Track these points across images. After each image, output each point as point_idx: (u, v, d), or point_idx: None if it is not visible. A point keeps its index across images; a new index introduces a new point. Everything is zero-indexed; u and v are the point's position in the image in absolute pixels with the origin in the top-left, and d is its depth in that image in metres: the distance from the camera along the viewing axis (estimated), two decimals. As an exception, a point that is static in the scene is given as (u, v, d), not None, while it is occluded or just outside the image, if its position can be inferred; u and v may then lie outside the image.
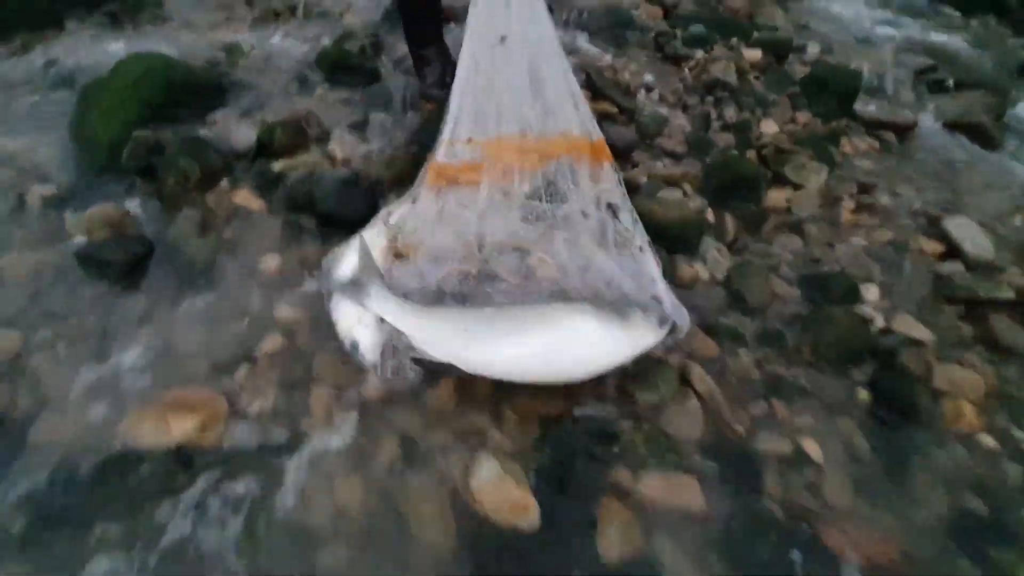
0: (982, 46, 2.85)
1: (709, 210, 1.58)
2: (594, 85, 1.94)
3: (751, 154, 1.78)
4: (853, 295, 1.38)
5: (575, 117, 1.33)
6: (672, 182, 1.67)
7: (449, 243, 1.22)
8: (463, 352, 1.05)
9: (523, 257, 1.20)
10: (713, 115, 1.95)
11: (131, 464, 0.97)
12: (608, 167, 1.34)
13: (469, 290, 1.17)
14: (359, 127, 1.76)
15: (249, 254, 1.42)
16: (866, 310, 1.35)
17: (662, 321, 1.06)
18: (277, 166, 1.55)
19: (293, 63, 2.08)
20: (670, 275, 1.39)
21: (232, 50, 2.07)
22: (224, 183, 1.56)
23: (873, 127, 2.06)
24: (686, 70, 2.19)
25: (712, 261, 1.43)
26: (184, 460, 0.98)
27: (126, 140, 1.56)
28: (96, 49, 2.28)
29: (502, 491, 0.96)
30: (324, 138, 1.68)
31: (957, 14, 3.21)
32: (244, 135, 1.64)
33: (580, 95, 1.36)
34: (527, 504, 0.95)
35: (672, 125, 1.88)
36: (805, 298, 1.39)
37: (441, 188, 1.28)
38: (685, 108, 1.98)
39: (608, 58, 2.20)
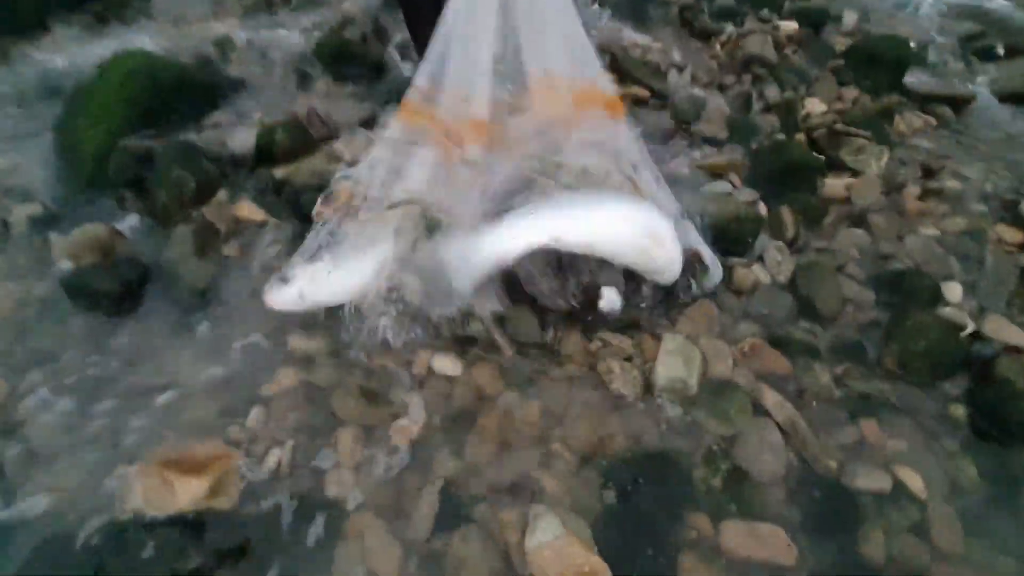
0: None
1: (761, 203, 1.43)
2: (621, 67, 1.76)
3: (800, 137, 1.60)
4: (934, 296, 1.23)
5: (589, 69, 1.21)
6: (717, 172, 1.51)
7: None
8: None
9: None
10: (753, 95, 1.78)
11: (133, 537, 0.84)
12: (624, 125, 1.23)
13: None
14: (367, 124, 1.61)
15: (255, 275, 1.28)
16: (951, 313, 1.20)
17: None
18: (280, 172, 1.40)
19: (290, 55, 1.90)
20: (726, 281, 1.25)
21: (223, 44, 1.91)
22: (222, 194, 1.40)
23: (927, 102, 1.88)
24: (717, 46, 2.01)
25: (772, 262, 1.28)
26: (194, 530, 0.85)
27: (113, 150, 1.42)
28: (81, 51, 2.11)
29: (565, 553, 0.81)
30: (330, 137, 1.53)
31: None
32: (242, 139, 1.48)
33: (593, 47, 1.22)
34: (596, 569, 0.81)
35: (710, 108, 1.71)
36: (880, 302, 1.24)
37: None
38: (722, 88, 1.81)
39: (632, 35, 2.02)
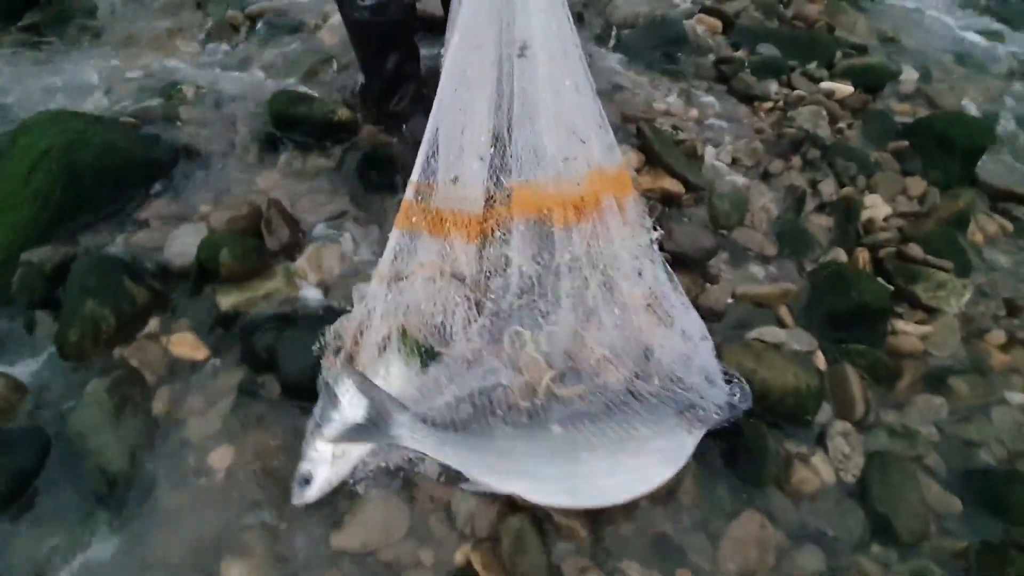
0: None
1: (819, 353, 1.18)
2: (650, 148, 1.47)
3: (862, 256, 1.34)
4: (1035, 509, 1.00)
5: (601, 146, 1.07)
6: (763, 303, 1.26)
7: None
8: (538, 491, 0.91)
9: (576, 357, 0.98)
10: (804, 186, 1.50)
11: None
12: (634, 203, 1.11)
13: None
14: (340, 222, 1.32)
15: (191, 445, 1.01)
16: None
17: (722, 410, 0.96)
18: (227, 301, 1.11)
19: (251, 110, 1.58)
20: (780, 481, 1.01)
21: (172, 93, 1.58)
22: (154, 323, 1.13)
23: (998, 198, 1.62)
24: (762, 114, 1.72)
25: (837, 454, 1.03)
26: None
27: (18, 263, 1.13)
28: (11, 79, 1.80)
29: None
30: (293, 245, 1.24)
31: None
32: (181, 247, 1.18)
33: (603, 115, 1.09)
34: None
35: (754, 206, 1.43)
36: (968, 516, 1.01)
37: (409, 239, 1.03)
38: (766, 176, 1.53)
39: (662, 98, 1.72)
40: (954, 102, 1.92)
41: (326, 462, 0.93)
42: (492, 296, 1.01)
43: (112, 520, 0.92)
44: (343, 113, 1.49)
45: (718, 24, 2.02)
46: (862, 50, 2.04)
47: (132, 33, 2.01)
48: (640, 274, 1.06)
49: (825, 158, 1.58)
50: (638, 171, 1.46)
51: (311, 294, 1.15)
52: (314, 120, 1.46)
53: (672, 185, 1.40)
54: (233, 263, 1.10)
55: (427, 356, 1.00)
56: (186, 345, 1.10)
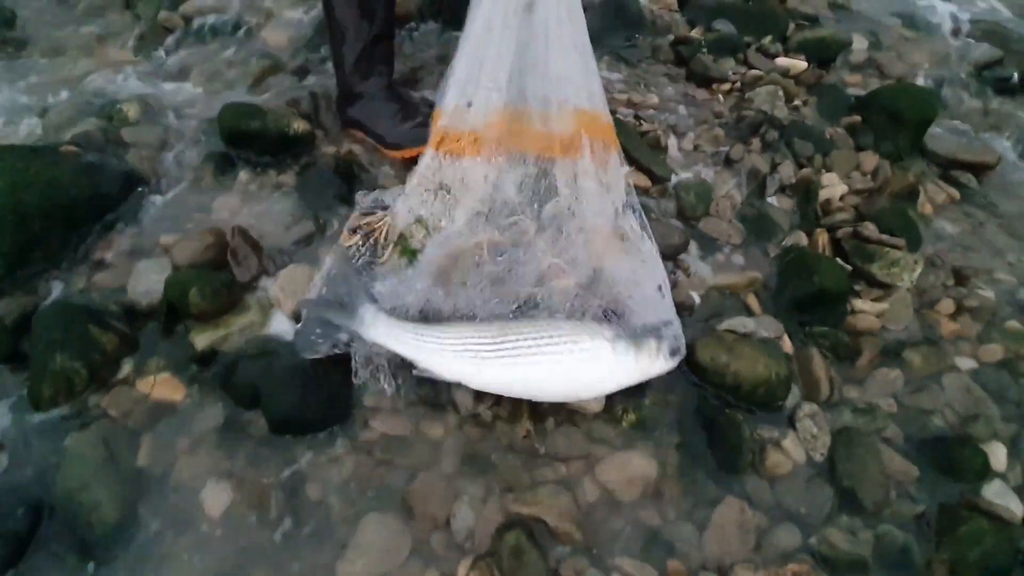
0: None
1: (786, 337, 1.24)
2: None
3: (821, 238, 1.40)
4: (982, 470, 1.09)
5: (593, 94, 1.24)
6: (732, 292, 1.30)
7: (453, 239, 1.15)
8: (474, 373, 1.02)
9: (535, 259, 1.13)
10: (765, 170, 1.54)
11: None
12: (616, 157, 1.27)
13: (468, 301, 1.09)
14: (307, 243, 1.29)
15: (183, 490, 1.00)
16: (1001, 497, 1.07)
17: (673, 352, 1.05)
18: (201, 340, 1.09)
19: (199, 126, 1.51)
20: (756, 464, 1.08)
21: (112, 114, 1.49)
22: (127, 366, 1.10)
23: (946, 165, 1.70)
24: (720, 96, 1.74)
25: (807, 435, 1.10)
26: None
27: (-29, 316, 1.08)
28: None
29: None
30: (263, 274, 1.21)
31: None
32: (146, 285, 1.14)
33: (597, 73, 1.26)
34: None
35: (718, 195, 1.47)
36: (925, 480, 1.10)
37: (443, 159, 1.20)
38: (728, 162, 1.56)
39: (622, 85, 1.72)
40: (903, 69, 1.98)
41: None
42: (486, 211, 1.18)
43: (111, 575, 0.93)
44: (299, 125, 1.44)
45: (673, 1, 2.00)
46: (814, 20, 2.06)
47: (58, 42, 1.87)
48: (613, 212, 1.21)
49: (783, 138, 1.61)
50: (604, 165, 1.48)
51: (286, 324, 1.14)
52: (269, 135, 1.40)
53: (638, 179, 1.42)
54: (203, 302, 1.08)
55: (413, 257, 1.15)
56: (164, 387, 1.08)
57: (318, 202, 1.36)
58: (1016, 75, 2.06)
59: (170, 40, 1.78)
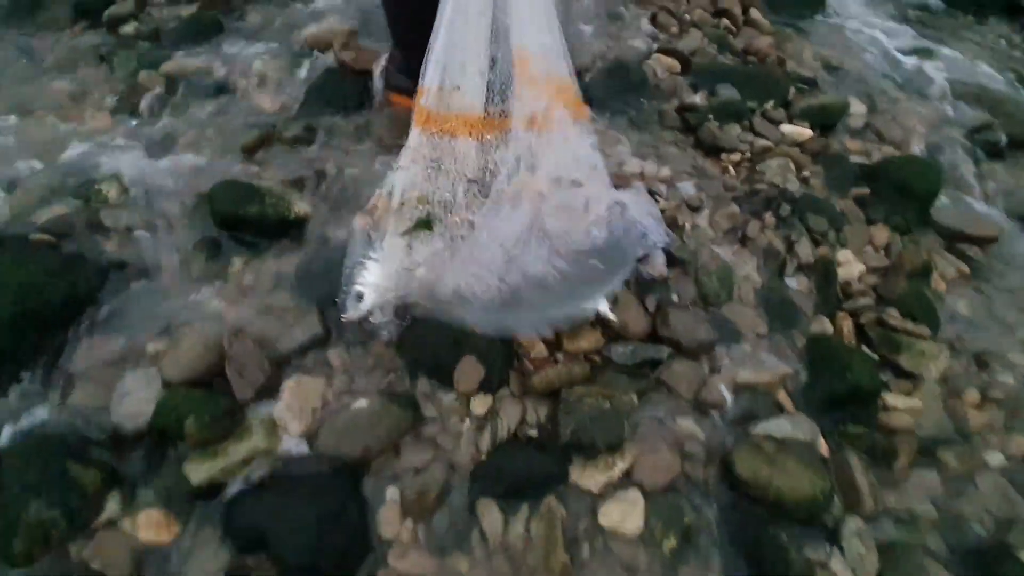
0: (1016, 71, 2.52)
1: (821, 440, 1.19)
2: (631, 221, 1.44)
3: (846, 325, 1.37)
4: (1027, 583, 1.07)
5: (564, 65, 1.29)
6: (763, 389, 1.26)
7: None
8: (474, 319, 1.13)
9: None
10: (782, 249, 1.51)
11: None
12: (585, 125, 1.32)
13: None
14: (315, 347, 1.19)
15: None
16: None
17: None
18: (197, 473, 0.96)
19: (187, 205, 1.38)
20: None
21: (90, 195, 1.36)
22: (113, 504, 0.97)
23: (952, 238, 1.71)
24: (730, 167, 1.72)
25: (854, 555, 1.05)
26: None
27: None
28: None
29: None
30: (271, 385, 1.11)
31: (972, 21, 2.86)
32: (132, 405, 1.02)
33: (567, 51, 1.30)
34: None
35: (738, 276, 1.43)
36: (972, 598, 1.06)
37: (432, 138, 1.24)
38: (744, 240, 1.53)
39: (631, 157, 1.67)
40: (900, 134, 2.00)
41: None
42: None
43: None
44: (300, 208, 1.34)
45: (676, 64, 1.98)
46: (812, 84, 2.07)
47: (26, 99, 1.73)
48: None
49: (796, 213, 1.59)
50: (620, 245, 1.42)
51: (296, 448, 1.03)
52: (267, 221, 1.30)
53: (657, 264, 1.38)
54: (200, 432, 0.96)
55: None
56: (154, 527, 0.96)
57: (323, 295, 1.26)
58: (1005, 139, 2.12)
59: (152, 103, 1.66)
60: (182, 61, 1.74)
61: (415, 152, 1.25)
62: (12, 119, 1.65)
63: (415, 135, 1.26)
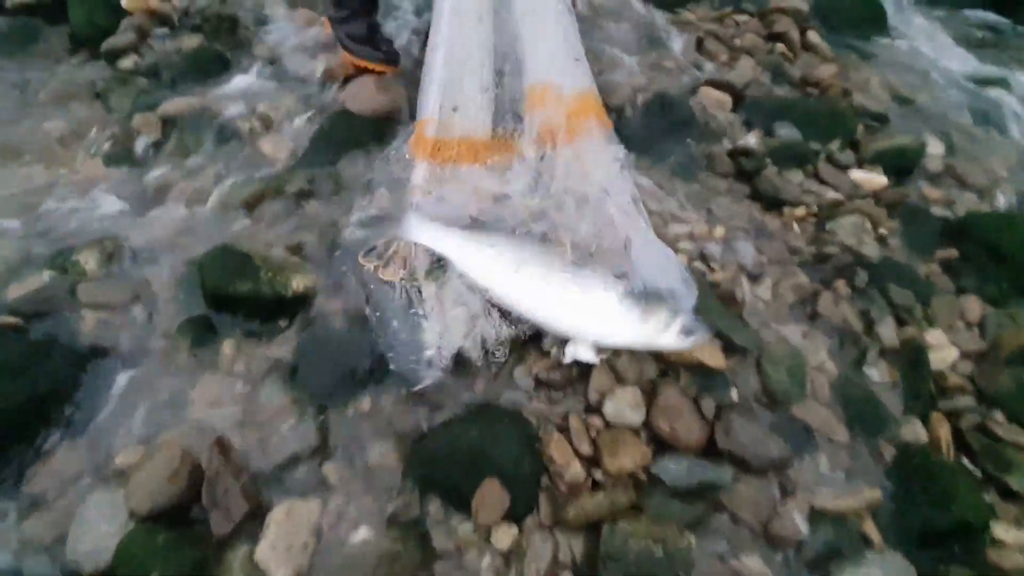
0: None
1: (919, 585, 0.97)
2: (681, 296, 1.23)
3: (943, 432, 1.14)
4: None
5: (579, 74, 1.26)
6: (845, 517, 1.04)
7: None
8: (497, 284, 1.10)
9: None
10: (861, 330, 1.29)
11: None
12: (608, 131, 1.28)
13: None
14: (307, 462, 1.01)
15: None
16: None
17: (688, 332, 1.04)
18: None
19: (176, 273, 1.22)
20: None
21: (67, 265, 1.19)
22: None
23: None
24: (794, 224, 1.49)
25: None
26: None
27: None
28: None
29: None
30: (255, 513, 0.93)
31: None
32: (92, 541, 0.85)
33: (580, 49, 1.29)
34: None
35: (810, 367, 1.21)
36: None
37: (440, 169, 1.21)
38: (814, 317, 1.31)
39: (679, 210, 1.46)
40: (983, 180, 1.74)
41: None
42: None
43: None
44: (299, 283, 1.17)
45: (726, 99, 1.76)
46: (883, 119, 1.83)
47: (15, 139, 1.59)
48: (607, 191, 1.20)
49: (875, 283, 1.36)
50: (669, 324, 1.22)
51: (283, 601, 0.86)
52: (261, 298, 1.14)
53: (711, 358, 1.15)
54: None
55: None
56: None
57: (321, 388, 1.08)
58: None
59: (147, 149, 1.51)
60: (181, 102, 1.57)
61: (423, 190, 1.19)
62: (-1, 170, 1.52)
63: (421, 169, 1.21)
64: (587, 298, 1.06)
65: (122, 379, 1.08)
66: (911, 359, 1.24)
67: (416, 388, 1.05)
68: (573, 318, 1.07)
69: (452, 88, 1.19)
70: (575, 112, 1.22)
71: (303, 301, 1.18)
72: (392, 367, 1.08)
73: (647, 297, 1.06)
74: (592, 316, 1.06)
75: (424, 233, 1.14)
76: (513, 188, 1.19)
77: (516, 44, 1.21)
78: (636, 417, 1.05)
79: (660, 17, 2.12)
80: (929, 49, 2.27)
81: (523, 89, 1.22)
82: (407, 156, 1.28)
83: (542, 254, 1.11)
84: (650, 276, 1.11)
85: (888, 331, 1.27)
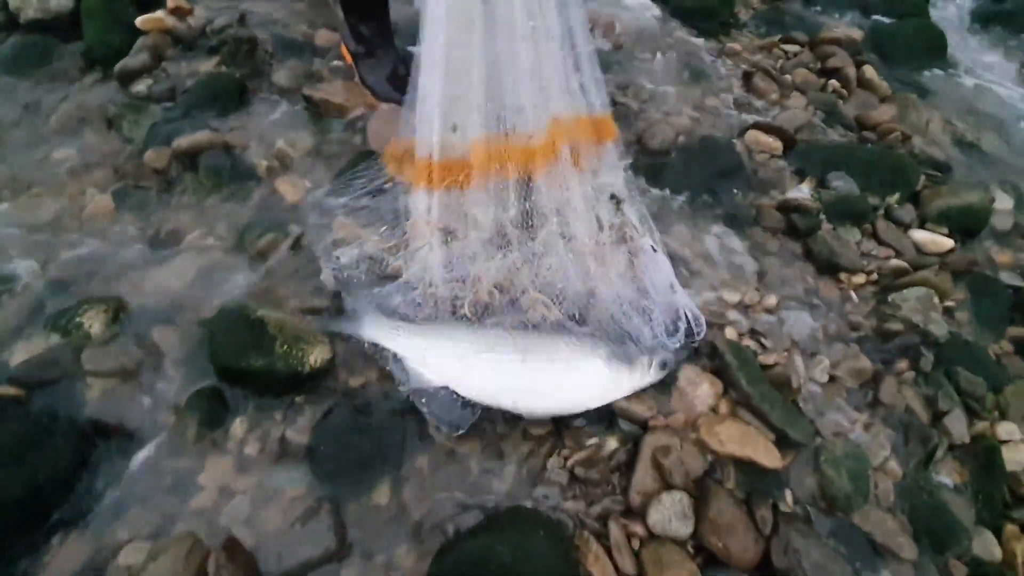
0: None
1: None
2: (731, 377, 1.11)
3: (1019, 546, 1.03)
4: None
5: (575, 90, 1.24)
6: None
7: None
8: (460, 379, 1.05)
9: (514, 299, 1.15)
10: (926, 420, 1.18)
11: None
12: (611, 148, 1.31)
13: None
14: (322, 566, 0.92)
15: None
16: None
17: (663, 365, 1.07)
18: None
19: (184, 336, 1.13)
20: None
21: (70, 329, 1.10)
22: None
23: None
24: (853, 293, 1.38)
25: None
26: None
27: None
28: None
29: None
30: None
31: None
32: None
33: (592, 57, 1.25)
34: None
35: (872, 468, 1.10)
36: None
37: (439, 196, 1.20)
38: (875, 403, 1.20)
39: (727, 275, 1.35)
40: (1059, 241, 1.61)
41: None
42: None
43: None
44: (316, 356, 1.07)
45: (776, 144, 1.63)
46: (946, 169, 1.70)
47: (24, 170, 1.51)
48: (599, 219, 1.22)
49: (941, 365, 1.25)
50: (714, 410, 1.12)
51: None
52: (276, 374, 1.05)
53: (765, 456, 1.04)
54: None
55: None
56: None
57: (340, 477, 1.00)
58: None
59: (159, 188, 1.41)
60: (195, 137, 1.47)
61: (423, 224, 1.18)
62: (4, 205, 1.43)
63: (420, 198, 1.19)
64: (572, 369, 1.04)
65: (127, 462, 0.99)
66: (982, 459, 1.13)
67: (457, 433, 1.02)
68: (556, 398, 1.04)
69: (452, 106, 1.14)
70: (561, 136, 1.21)
71: (321, 375, 1.09)
72: (425, 413, 1.04)
73: (626, 348, 1.07)
74: (581, 386, 1.04)
75: (375, 331, 1.09)
76: (510, 216, 1.19)
77: (500, 64, 1.14)
78: (684, 530, 0.95)
79: (704, 46, 2.00)
80: (995, 84, 2.12)
81: (512, 108, 1.18)
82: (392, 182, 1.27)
83: (516, 338, 1.07)
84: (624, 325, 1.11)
85: (958, 424, 1.16)
